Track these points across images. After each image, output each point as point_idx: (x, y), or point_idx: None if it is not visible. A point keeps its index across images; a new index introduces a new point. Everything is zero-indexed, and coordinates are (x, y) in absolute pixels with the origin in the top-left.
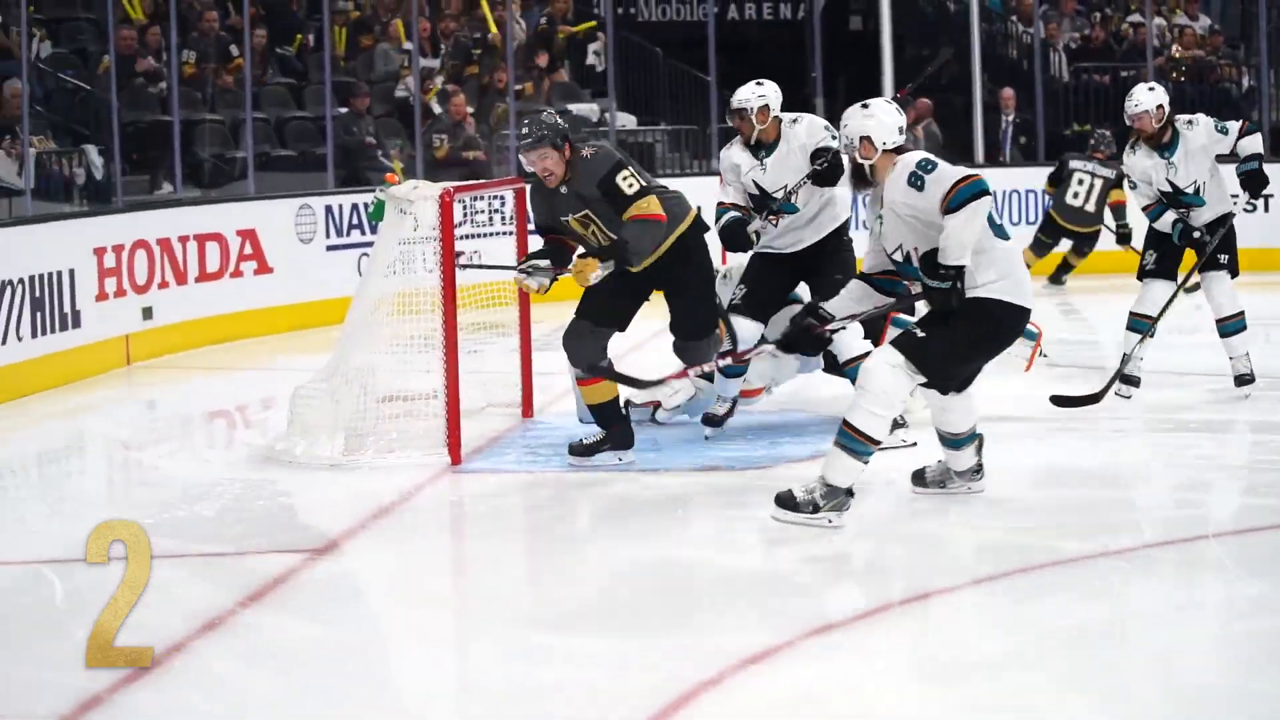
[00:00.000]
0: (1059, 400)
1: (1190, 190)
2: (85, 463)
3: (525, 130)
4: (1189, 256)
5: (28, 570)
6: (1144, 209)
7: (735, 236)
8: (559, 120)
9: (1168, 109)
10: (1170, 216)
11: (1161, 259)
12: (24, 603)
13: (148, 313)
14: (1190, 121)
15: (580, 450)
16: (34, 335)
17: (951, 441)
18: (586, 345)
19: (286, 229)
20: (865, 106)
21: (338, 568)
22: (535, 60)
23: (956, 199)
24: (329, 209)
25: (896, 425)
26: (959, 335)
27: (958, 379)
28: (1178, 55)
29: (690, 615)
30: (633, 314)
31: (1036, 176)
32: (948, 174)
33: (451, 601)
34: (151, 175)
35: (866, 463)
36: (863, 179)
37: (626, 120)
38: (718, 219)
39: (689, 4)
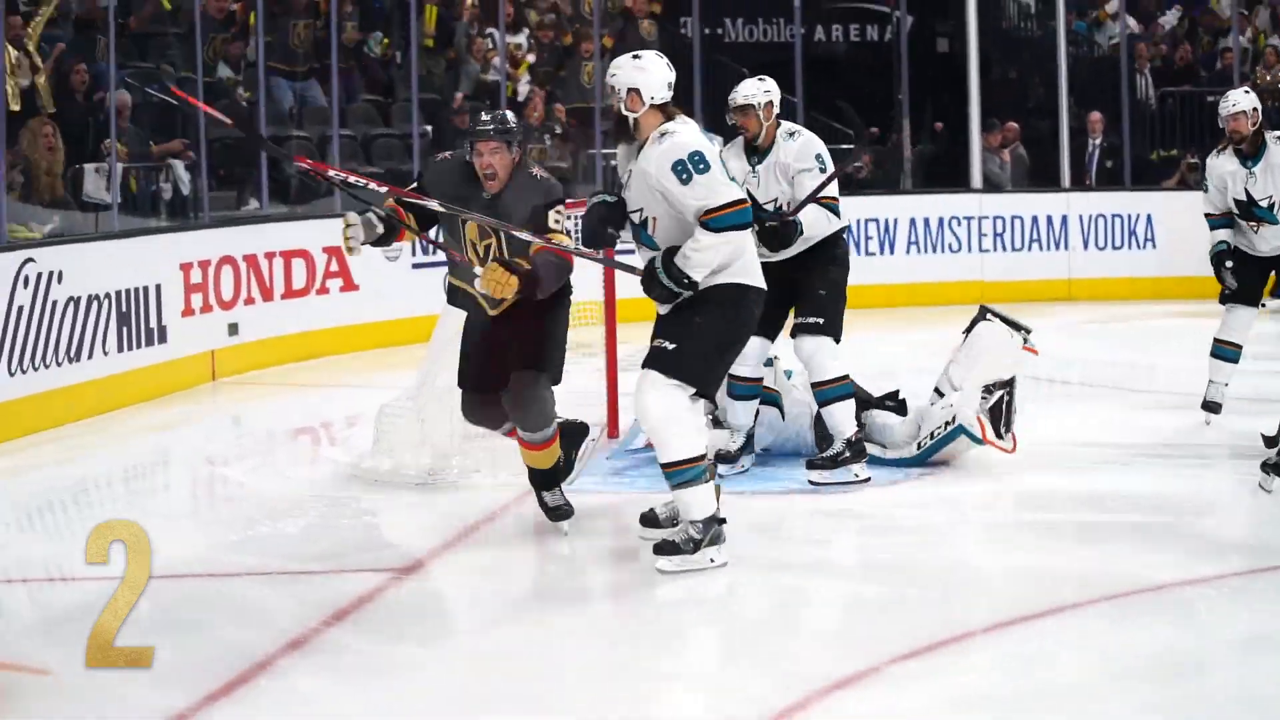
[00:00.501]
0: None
1: (1264, 204)
2: (170, 478)
3: (488, 119)
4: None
5: (110, 586)
6: (1206, 215)
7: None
8: (519, 124)
9: (1260, 116)
10: (1222, 235)
11: (1244, 284)
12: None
13: (233, 329)
14: None
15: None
16: (120, 350)
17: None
18: (484, 416)
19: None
20: (637, 58)
21: (423, 587)
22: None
23: (721, 221)
24: None
25: (857, 456)
26: (705, 333)
27: (719, 381)
28: (1268, 80)
29: (780, 640)
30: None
31: (1122, 201)
32: (719, 187)
33: (537, 622)
34: (238, 191)
35: (710, 479)
36: (625, 131)
37: (714, 141)
38: None
39: (776, 25)
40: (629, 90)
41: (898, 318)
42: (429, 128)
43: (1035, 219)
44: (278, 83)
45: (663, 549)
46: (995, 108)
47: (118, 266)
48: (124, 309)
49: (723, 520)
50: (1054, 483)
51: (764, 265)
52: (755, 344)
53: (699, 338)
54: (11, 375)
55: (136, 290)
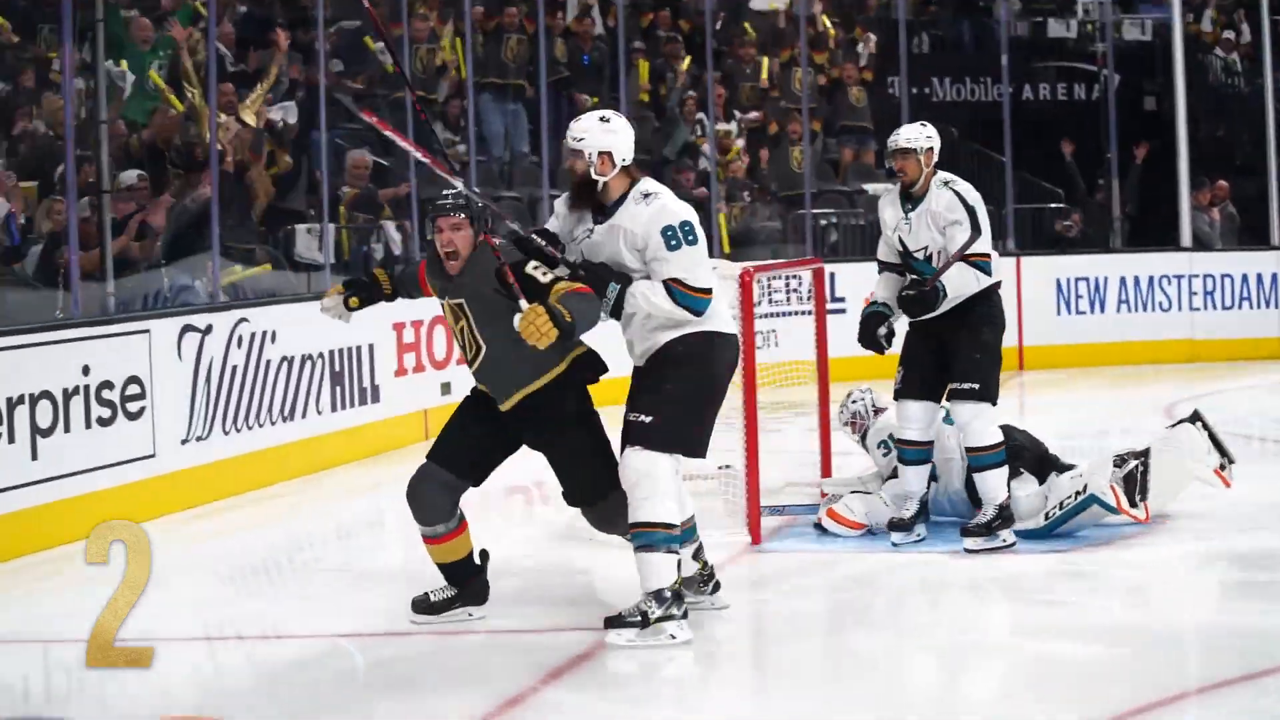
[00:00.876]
0: None
1: None
2: (384, 538)
3: (445, 194)
4: None
5: (325, 644)
6: None
7: (866, 334)
8: (483, 203)
9: None
10: None
11: None
12: (321, 676)
13: (446, 388)
14: None
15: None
16: (334, 409)
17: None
18: (434, 499)
19: None
20: (605, 120)
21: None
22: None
23: (686, 299)
24: None
25: (1007, 521)
26: (679, 395)
27: (707, 437)
28: None
29: (1005, 698)
30: (495, 465)
31: None
32: (701, 268)
33: (752, 683)
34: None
35: (674, 553)
36: (585, 194)
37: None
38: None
39: (984, 84)
40: (600, 153)
41: (1108, 376)
42: None
43: (1245, 276)
44: (490, 126)
45: (613, 622)
46: (1203, 165)
47: (331, 326)
48: (337, 368)
49: (681, 597)
50: (1268, 542)
51: (913, 325)
52: (919, 408)
53: (673, 402)
54: (226, 434)
55: (349, 350)
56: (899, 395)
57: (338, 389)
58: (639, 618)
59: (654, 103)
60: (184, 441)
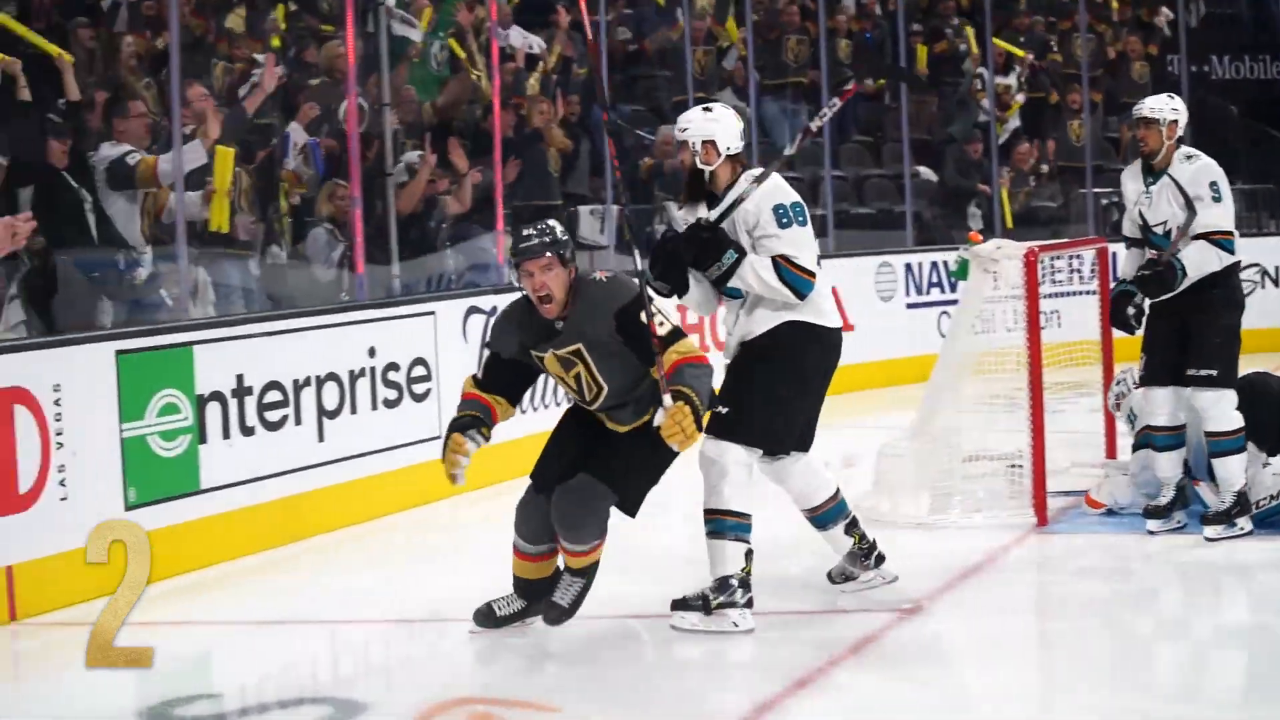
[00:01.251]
0: None
1: None
2: (666, 520)
3: (531, 233)
4: None
5: (613, 624)
6: None
7: (1117, 314)
8: (565, 233)
9: None
10: None
11: None
12: (610, 657)
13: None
14: None
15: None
16: None
17: (814, 519)
18: (538, 521)
19: (867, 287)
20: (708, 109)
21: (925, 628)
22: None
23: (789, 276)
24: (908, 267)
25: (1245, 509)
26: (765, 387)
27: (791, 432)
28: None
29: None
30: None
31: None
32: (808, 249)
33: (1036, 665)
34: None
35: (746, 540)
36: (695, 187)
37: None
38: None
39: (1262, 62)
40: (704, 142)
41: None
42: (920, 169)
43: None
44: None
45: (678, 605)
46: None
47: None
48: None
49: (747, 585)
50: None
51: (1154, 307)
52: (1165, 394)
53: (757, 393)
54: (522, 412)
55: None
56: (1144, 382)
57: None
58: (700, 602)
59: (933, 80)
60: None
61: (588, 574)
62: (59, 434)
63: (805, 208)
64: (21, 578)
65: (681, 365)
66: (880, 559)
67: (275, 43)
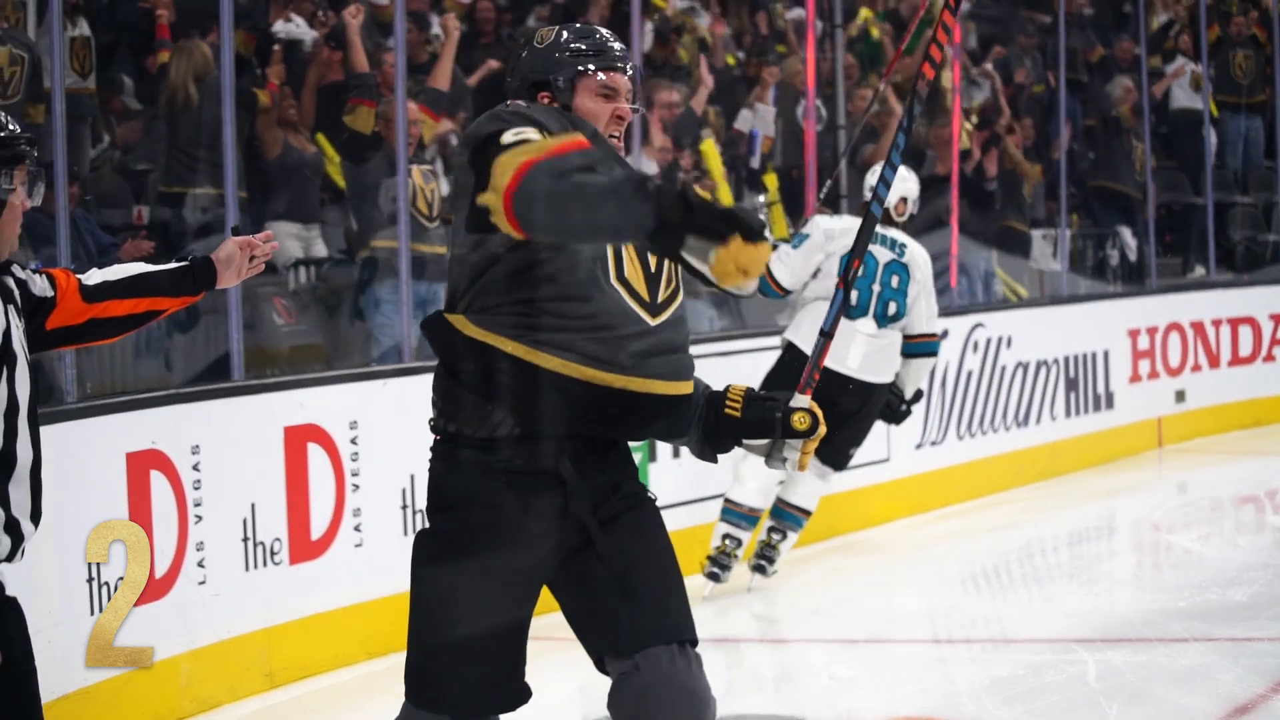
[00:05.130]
0: None
1: None
2: (1115, 543)
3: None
4: None
5: (1056, 648)
6: None
7: None
8: None
9: None
10: None
11: None
12: (1051, 681)
13: (1180, 395)
14: None
15: None
16: (1067, 415)
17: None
18: None
19: None
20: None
21: None
22: None
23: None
24: None
25: None
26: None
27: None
28: None
29: None
30: None
31: None
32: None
33: None
34: (1184, 258)
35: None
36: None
37: None
38: None
39: None
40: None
41: None
42: None
43: None
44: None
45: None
46: None
47: (1067, 331)
48: (1071, 374)
49: None
50: None
51: None
52: None
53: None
54: (960, 439)
55: (1084, 356)
56: None
57: (1072, 395)
58: None
59: None
60: (918, 446)
61: None
62: (354, 474)
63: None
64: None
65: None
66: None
67: None
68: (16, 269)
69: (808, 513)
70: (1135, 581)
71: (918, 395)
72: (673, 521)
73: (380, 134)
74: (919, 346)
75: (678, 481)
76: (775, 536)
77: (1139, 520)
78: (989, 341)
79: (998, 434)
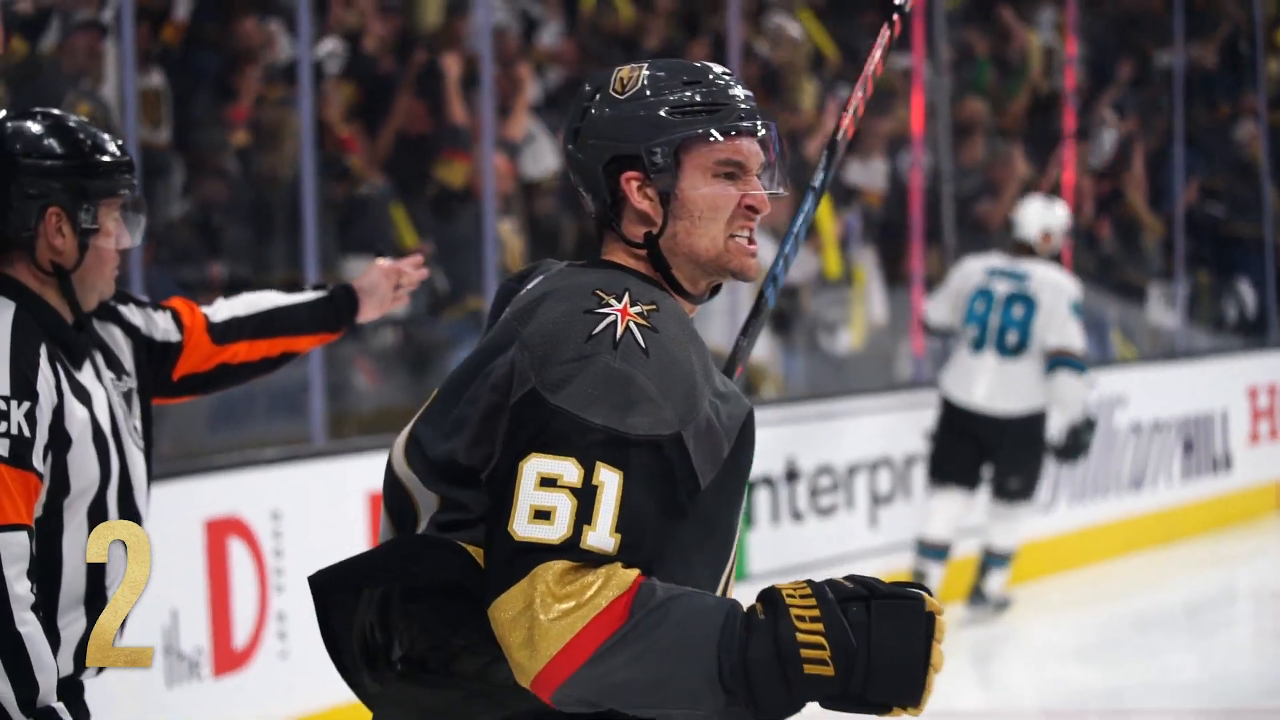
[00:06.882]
0: None
1: None
2: (1234, 612)
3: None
4: None
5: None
6: None
7: None
8: None
9: None
10: None
11: None
12: None
13: None
14: None
15: None
16: (1184, 477)
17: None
18: None
19: None
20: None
21: None
22: None
23: None
24: None
25: None
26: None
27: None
28: None
29: None
30: None
31: None
32: None
33: None
34: None
35: None
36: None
37: None
38: None
39: None
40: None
41: None
42: None
43: None
44: None
45: None
46: None
47: (1183, 389)
48: (1188, 434)
49: None
50: None
51: None
52: None
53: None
54: (1070, 505)
55: (1201, 417)
56: None
57: (1189, 456)
58: None
59: None
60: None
61: None
62: None
63: None
64: None
65: None
66: None
67: None
68: (131, 308)
69: (1005, 552)
70: (1255, 652)
71: (1083, 429)
72: None
73: (470, 188)
74: (1051, 363)
75: None
76: (981, 578)
77: (1259, 587)
78: (1103, 402)
79: (1112, 498)
